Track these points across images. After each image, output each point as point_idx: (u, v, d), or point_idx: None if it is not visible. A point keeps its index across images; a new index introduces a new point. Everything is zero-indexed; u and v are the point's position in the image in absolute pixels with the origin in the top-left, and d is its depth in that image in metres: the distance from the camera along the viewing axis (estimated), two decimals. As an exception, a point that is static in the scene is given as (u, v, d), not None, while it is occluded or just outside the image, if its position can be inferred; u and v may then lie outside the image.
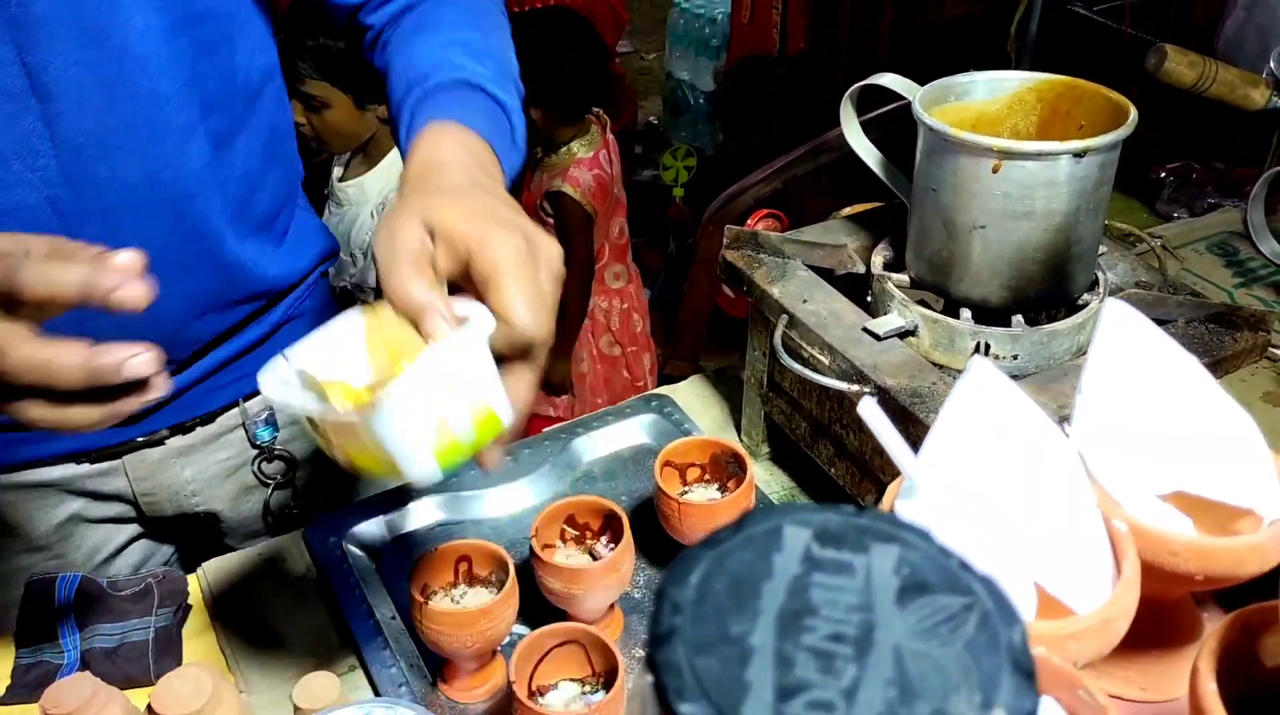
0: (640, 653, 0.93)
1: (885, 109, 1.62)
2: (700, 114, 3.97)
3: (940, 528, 0.44)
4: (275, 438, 1.09)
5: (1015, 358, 0.92)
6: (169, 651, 0.93)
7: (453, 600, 0.90)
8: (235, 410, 1.06)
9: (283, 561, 1.03)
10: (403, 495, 1.06)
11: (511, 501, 1.08)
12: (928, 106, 0.94)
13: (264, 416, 1.06)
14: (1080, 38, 2.31)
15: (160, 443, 1.03)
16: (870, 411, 0.41)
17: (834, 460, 1.02)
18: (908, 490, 0.44)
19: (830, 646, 0.26)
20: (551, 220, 2.31)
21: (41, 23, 0.76)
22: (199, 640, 0.95)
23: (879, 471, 0.96)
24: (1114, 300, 0.53)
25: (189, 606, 0.98)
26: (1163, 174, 1.93)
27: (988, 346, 0.92)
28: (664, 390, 1.23)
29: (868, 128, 1.12)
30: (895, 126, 1.69)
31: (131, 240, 0.63)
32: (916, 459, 0.44)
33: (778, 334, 0.97)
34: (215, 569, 1.02)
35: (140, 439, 1.02)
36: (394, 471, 0.60)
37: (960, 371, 0.94)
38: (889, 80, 1.01)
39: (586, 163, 2.28)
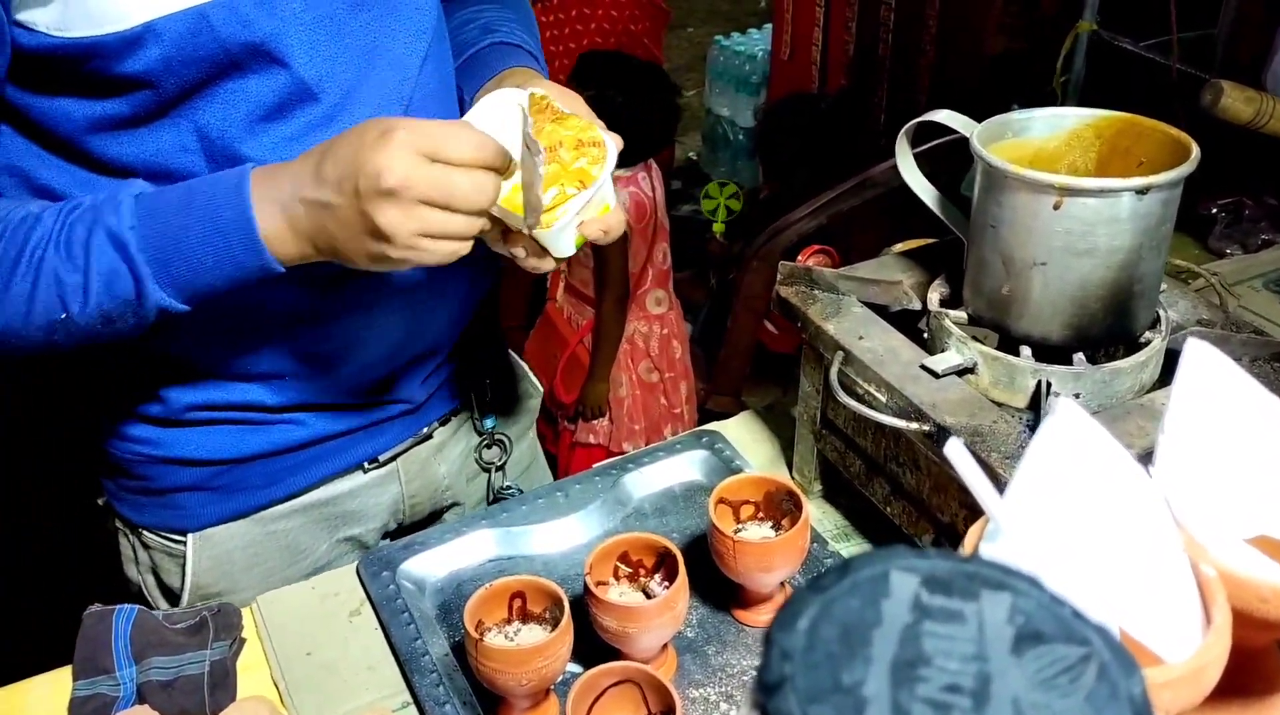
0: (695, 693, 0.92)
1: (932, 144, 1.62)
2: (740, 150, 3.98)
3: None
4: (495, 425, 1.20)
5: (1077, 396, 0.91)
6: (224, 685, 0.93)
7: (507, 637, 0.89)
8: (469, 401, 1.18)
9: (336, 595, 1.03)
10: (456, 530, 1.06)
11: (563, 537, 1.07)
12: (985, 143, 0.94)
13: (488, 402, 1.19)
14: (1127, 74, 2.30)
15: (428, 438, 1.14)
16: (957, 452, 0.40)
17: (889, 499, 1.01)
18: (992, 533, 0.43)
19: (947, 698, 0.26)
20: None
21: None
22: (253, 674, 0.96)
23: (936, 511, 0.95)
24: (1195, 339, 0.52)
25: (243, 640, 0.98)
26: (1214, 209, 1.90)
27: (1049, 385, 0.90)
28: (714, 426, 1.23)
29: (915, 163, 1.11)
30: (942, 162, 1.68)
31: None
32: (1002, 501, 0.43)
33: (833, 370, 0.97)
34: (269, 602, 1.02)
35: (413, 439, 1.13)
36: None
37: (1020, 410, 0.93)
38: (944, 117, 1.00)
39: (623, 181, 2.28)
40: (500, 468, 1.22)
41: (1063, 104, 2.29)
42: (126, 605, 0.98)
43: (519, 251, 0.87)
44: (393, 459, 1.11)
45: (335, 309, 0.97)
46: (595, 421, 2.43)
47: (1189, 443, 0.50)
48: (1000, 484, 0.82)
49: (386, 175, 0.74)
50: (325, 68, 0.87)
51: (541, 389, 1.31)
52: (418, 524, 1.20)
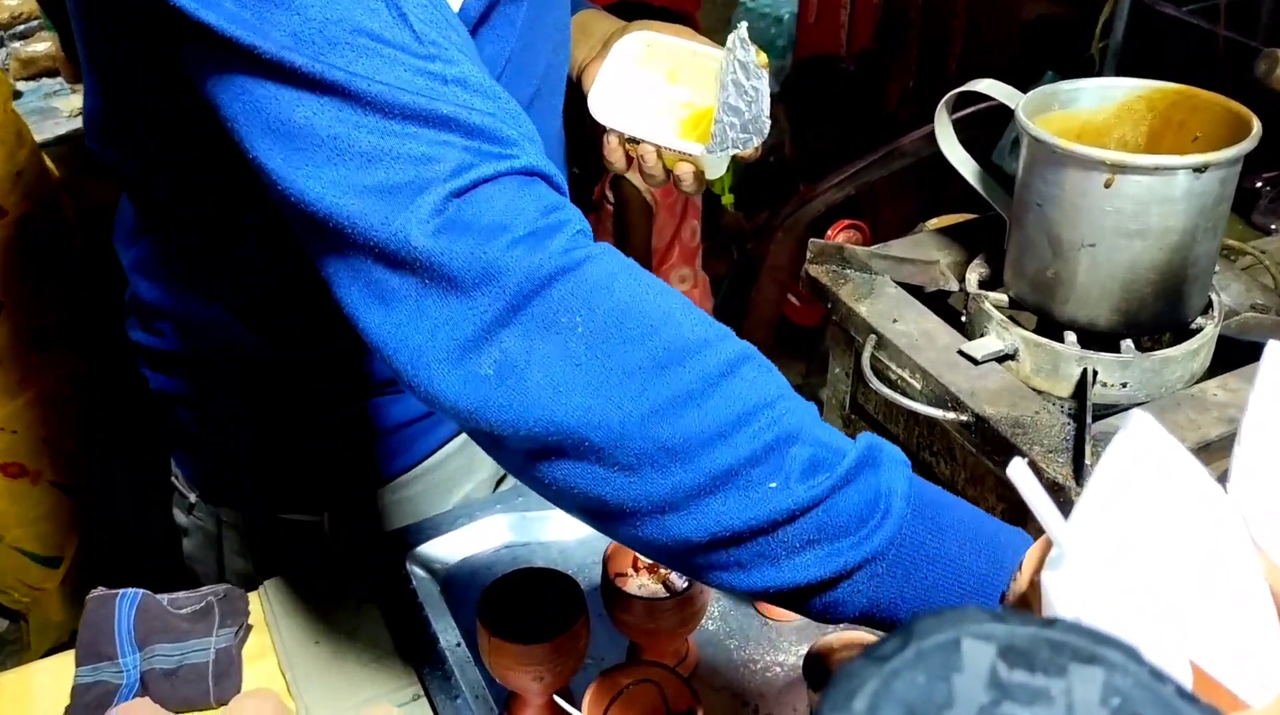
0: (716, 689, 0.88)
1: (962, 114, 1.56)
2: (764, 116, 3.90)
3: (1090, 601, 0.39)
4: None
5: (1124, 386, 0.86)
6: (229, 674, 0.90)
7: (521, 631, 0.86)
8: None
9: (345, 581, 0.99)
10: (469, 515, 1.03)
11: (579, 524, 1.03)
12: (1031, 115, 0.88)
13: None
14: (1170, 40, 2.22)
15: None
16: (1020, 473, 0.36)
17: (921, 489, 0.97)
18: (1055, 560, 0.39)
19: (1034, 802, 0.22)
20: (612, 207, 2.26)
21: None
22: (260, 662, 0.93)
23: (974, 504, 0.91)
24: (1277, 343, 0.47)
25: (250, 626, 0.95)
26: (1259, 184, 1.83)
27: (1095, 373, 0.85)
28: (738, 408, 1.18)
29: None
30: (972, 130, 1.61)
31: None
32: (1067, 525, 0.38)
33: (865, 355, 0.92)
34: (277, 588, 0.99)
35: None
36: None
37: (1063, 399, 0.88)
38: (987, 86, 0.95)
39: None
40: None
41: (1100, 72, 2.21)
42: (130, 589, 0.95)
43: (686, 175, 0.89)
44: None
45: None
46: None
47: (1269, 456, 0.46)
48: (1043, 479, 0.77)
49: None
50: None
51: None
52: None
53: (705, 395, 0.54)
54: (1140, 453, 0.40)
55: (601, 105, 0.92)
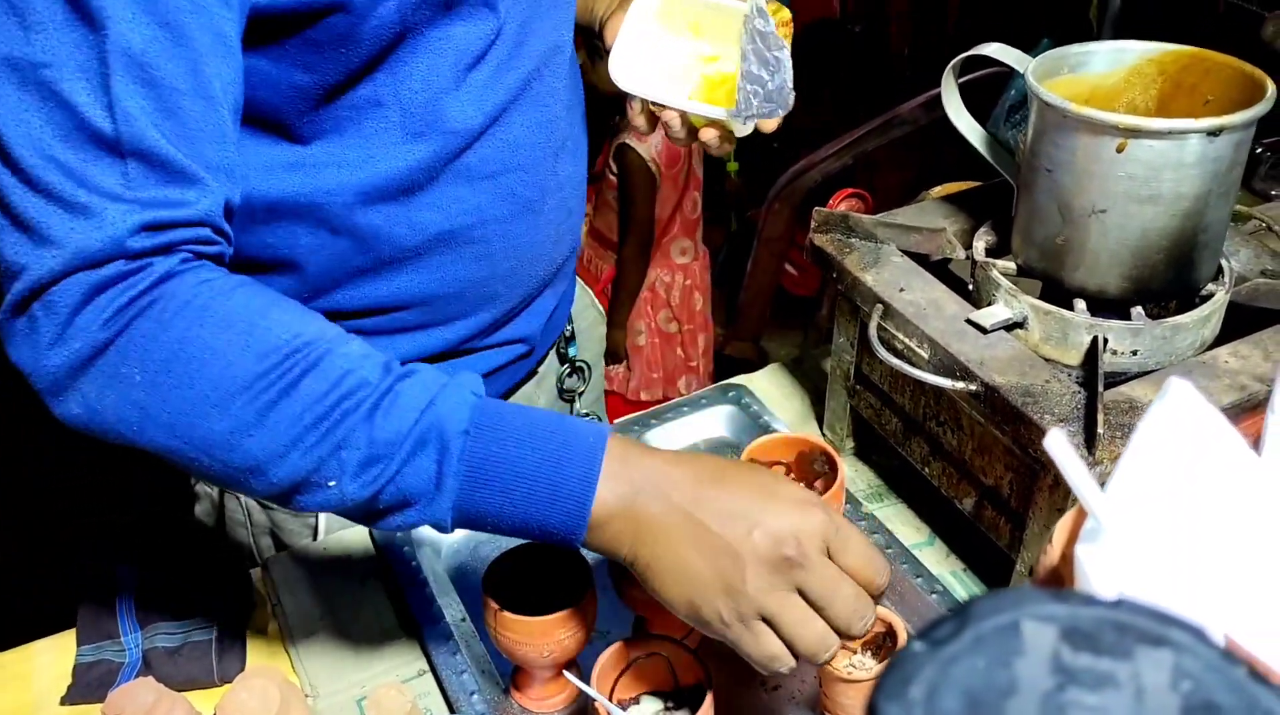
0: (723, 661, 0.88)
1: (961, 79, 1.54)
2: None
3: (1127, 576, 0.38)
4: (576, 352, 1.16)
5: (1135, 353, 0.85)
6: (233, 651, 0.89)
7: (528, 605, 0.85)
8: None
9: (348, 557, 0.99)
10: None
11: (584, 497, 1.03)
12: (1040, 79, 0.87)
13: (569, 332, 1.16)
14: (1168, 4, 2.19)
15: (534, 373, 1.09)
16: (1057, 445, 0.35)
17: (928, 459, 0.96)
18: (1091, 533, 0.38)
19: (1106, 792, 0.21)
20: (615, 178, 2.24)
21: None
22: (263, 639, 0.92)
23: (979, 473, 0.90)
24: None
25: (254, 603, 0.94)
26: (1259, 150, 1.82)
27: (1105, 341, 0.84)
28: (740, 379, 1.17)
29: (937, 102, 1.03)
30: (967, 101, 1.59)
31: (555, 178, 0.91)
32: (1104, 497, 0.37)
33: (872, 325, 0.91)
34: (279, 564, 0.98)
35: (523, 377, 1.07)
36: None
37: (1073, 367, 0.87)
38: (995, 50, 0.93)
39: None
40: (579, 396, 1.17)
41: (1098, 37, 2.18)
42: (129, 566, 0.94)
43: (711, 140, 0.89)
44: (508, 397, 1.05)
45: (504, 232, 0.91)
46: (611, 368, 2.38)
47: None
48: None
49: (791, 545, 0.64)
50: (511, 2, 0.82)
51: (605, 313, 1.26)
52: None
53: (257, 425, 0.64)
54: (1178, 421, 0.39)
55: (622, 69, 0.89)
